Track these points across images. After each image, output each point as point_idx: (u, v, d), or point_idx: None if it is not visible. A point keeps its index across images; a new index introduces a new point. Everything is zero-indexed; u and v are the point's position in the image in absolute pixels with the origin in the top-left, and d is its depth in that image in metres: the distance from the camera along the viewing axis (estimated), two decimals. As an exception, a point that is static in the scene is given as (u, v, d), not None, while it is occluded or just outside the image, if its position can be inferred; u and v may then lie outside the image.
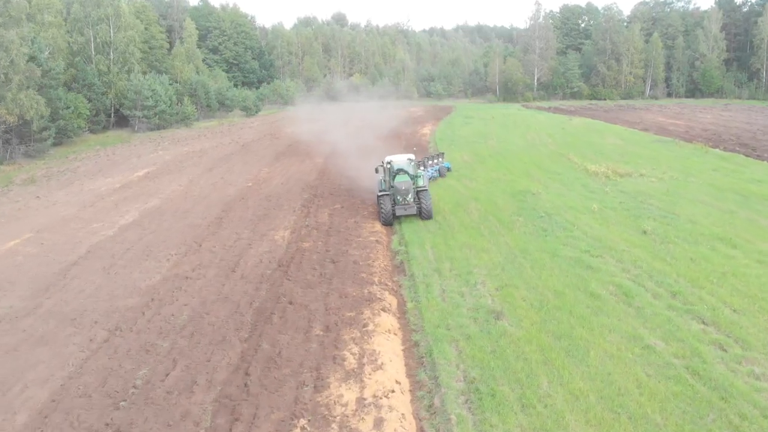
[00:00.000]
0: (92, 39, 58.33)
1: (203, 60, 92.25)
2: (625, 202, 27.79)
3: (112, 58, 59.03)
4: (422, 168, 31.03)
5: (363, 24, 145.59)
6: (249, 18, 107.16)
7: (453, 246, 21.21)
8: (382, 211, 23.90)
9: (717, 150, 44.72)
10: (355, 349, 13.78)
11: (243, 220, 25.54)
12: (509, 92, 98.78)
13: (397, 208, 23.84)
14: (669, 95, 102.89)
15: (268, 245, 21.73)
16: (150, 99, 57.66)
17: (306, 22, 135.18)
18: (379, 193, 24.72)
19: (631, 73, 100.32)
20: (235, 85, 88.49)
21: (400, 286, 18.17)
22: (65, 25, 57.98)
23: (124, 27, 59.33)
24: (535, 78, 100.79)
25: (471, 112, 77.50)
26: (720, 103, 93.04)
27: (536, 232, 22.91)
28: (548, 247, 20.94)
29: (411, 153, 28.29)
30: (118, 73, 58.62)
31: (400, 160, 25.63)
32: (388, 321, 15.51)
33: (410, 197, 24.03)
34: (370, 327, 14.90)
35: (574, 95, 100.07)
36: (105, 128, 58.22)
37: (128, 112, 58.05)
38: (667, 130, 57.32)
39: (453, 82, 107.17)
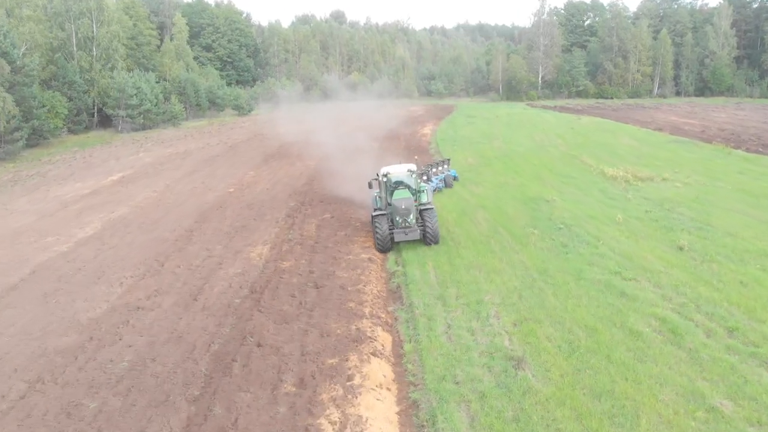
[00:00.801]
0: (74, 34, 55.17)
1: (196, 58, 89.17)
2: (652, 210, 24.64)
3: (94, 54, 55.85)
4: (425, 179, 27.33)
5: (362, 22, 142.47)
6: (244, 15, 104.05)
7: (459, 266, 18.02)
8: (378, 235, 19.66)
9: (739, 151, 41.58)
10: (336, 415, 10.59)
11: (217, 233, 22.35)
12: (513, 91, 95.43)
13: (395, 232, 19.56)
14: (678, 94, 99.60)
15: (241, 265, 18.54)
16: (134, 97, 54.42)
17: (304, 20, 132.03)
18: (374, 213, 20.44)
19: (638, 71, 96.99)
20: (229, 84, 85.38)
21: (395, 320, 14.99)
22: (45, 20, 54.79)
23: (108, 21, 56.12)
24: (540, 76, 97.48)
25: (474, 111, 74.35)
26: (731, 101, 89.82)
27: (555, 247, 19.74)
28: (571, 267, 17.78)
29: (412, 163, 24.66)
30: (101, 70, 55.38)
31: (399, 171, 21.33)
32: (380, 370, 12.32)
33: (412, 218, 19.75)
34: (357, 380, 11.71)
35: (580, 94, 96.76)
36: (87, 128, 55.06)
37: (111, 111, 54.82)
38: (682, 130, 54.17)
39: (454, 80, 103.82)
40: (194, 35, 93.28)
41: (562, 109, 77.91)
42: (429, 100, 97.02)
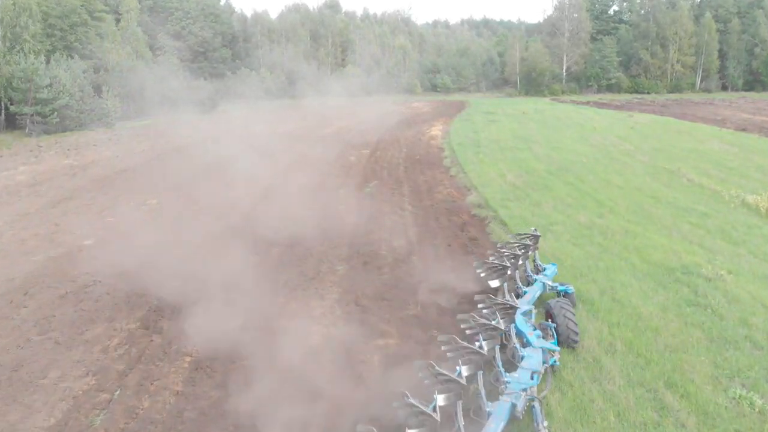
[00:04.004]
0: (-30, 7, 41.78)
1: (161, 47, 76.07)
2: None
3: (-1, 33, 42.44)
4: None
5: (359, 13, 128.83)
6: (223, 1, 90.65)
7: None
8: None
9: None
10: None
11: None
12: (533, 84, 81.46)
13: None
14: (724, 88, 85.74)
15: None
16: (46, 90, 40.88)
17: (294, 9, 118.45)
18: None
19: (678, 61, 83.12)
20: (198, 78, 71.81)
21: None
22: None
23: (15, -10, 42.70)
24: (564, 67, 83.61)
25: (491, 107, 60.71)
26: (793, 96, 76.10)
27: None
28: None
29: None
30: (5, 54, 41.81)
31: None
32: None
33: None
34: None
35: (611, 88, 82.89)
36: (-13, 131, 41.52)
37: (16, 108, 41.05)
38: (773, 130, 40.67)
39: (463, 73, 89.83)
40: (160, 21, 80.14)
41: (599, 104, 64.28)
42: (434, 96, 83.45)
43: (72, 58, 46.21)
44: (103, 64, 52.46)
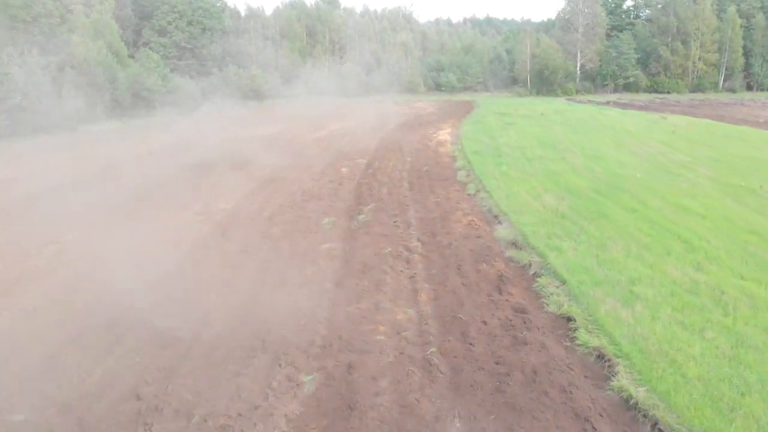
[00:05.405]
0: None
1: (146, 44, 71.09)
2: None
3: (-57, 23, 36.98)
4: None
5: (358, 10, 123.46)
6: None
7: None
8: None
9: None
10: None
11: None
12: (545, 83, 75.60)
13: None
14: (749, 87, 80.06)
15: None
16: (-5, 88, 35.56)
17: (290, 5, 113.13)
18: None
19: (701, 58, 77.42)
20: (191, 76, 66.47)
21: None
22: None
23: (-38, -27, 37.26)
24: (578, 65, 77.90)
25: (503, 107, 55.11)
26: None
27: None
28: None
29: None
30: (-51, 46, 36.47)
31: None
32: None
33: None
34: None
35: (628, 87, 77.12)
36: (-72, 135, 35.98)
37: (-41, 109, 35.72)
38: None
39: (469, 72, 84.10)
40: (145, 16, 74.99)
41: (620, 105, 58.67)
42: (439, 95, 77.88)
43: (30, 52, 40.68)
44: (69, 60, 46.93)
